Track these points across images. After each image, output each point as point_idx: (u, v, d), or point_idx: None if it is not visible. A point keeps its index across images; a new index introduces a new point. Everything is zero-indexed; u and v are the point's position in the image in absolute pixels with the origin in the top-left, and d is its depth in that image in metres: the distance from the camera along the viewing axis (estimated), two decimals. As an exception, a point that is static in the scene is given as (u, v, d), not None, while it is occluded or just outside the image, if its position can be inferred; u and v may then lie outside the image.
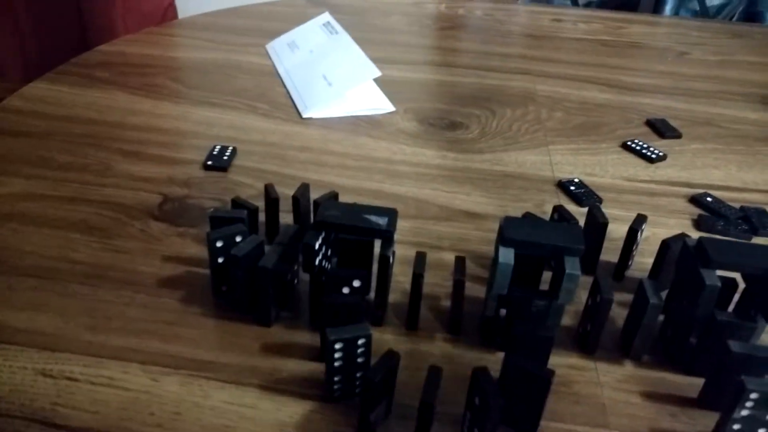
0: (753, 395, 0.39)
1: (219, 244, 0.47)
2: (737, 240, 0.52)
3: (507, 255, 0.44)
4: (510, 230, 0.45)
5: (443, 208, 0.64)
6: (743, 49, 1.11)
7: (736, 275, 0.48)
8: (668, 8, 1.47)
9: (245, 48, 0.99)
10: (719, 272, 0.46)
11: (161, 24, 1.12)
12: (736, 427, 0.40)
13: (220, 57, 0.95)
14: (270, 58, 0.95)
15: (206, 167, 0.67)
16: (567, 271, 0.43)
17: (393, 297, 0.51)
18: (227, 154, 0.69)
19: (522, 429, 0.41)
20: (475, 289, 0.53)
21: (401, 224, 0.61)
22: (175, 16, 1.49)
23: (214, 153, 0.69)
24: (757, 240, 0.62)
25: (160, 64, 0.92)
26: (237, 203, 0.53)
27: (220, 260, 0.48)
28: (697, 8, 1.50)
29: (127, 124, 0.75)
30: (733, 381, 0.40)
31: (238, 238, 0.48)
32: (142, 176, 0.65)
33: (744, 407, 0.39)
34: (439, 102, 0.86)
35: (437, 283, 0.54)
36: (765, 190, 0.71)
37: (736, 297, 0.48)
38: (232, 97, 0.83)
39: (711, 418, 0.42)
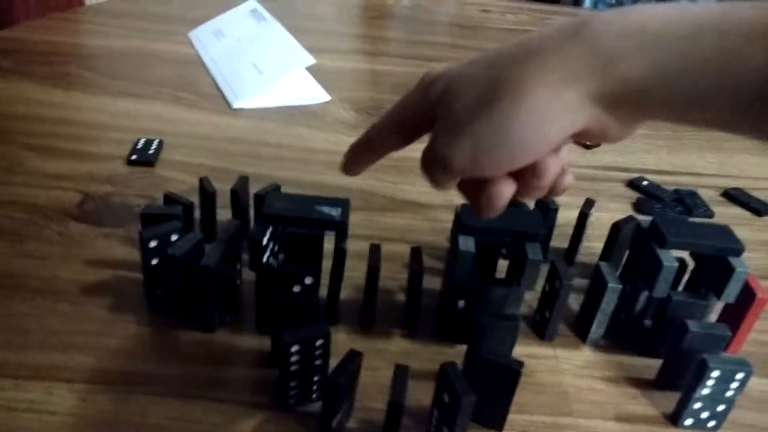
0: (714, 373, 0.39)
1: (153, 243, 0.43)
2: (688, 220, 0.52)
3: (467, 243, 0.42)
4: (468, 218, 0.43)
5: (389, 199, 0.62)
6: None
7: (684, 254, 0.48)
8: (588, 1, 1.51)
9: (164, 36, 0.92)
10: (677, 252, 0.47)
11: (67, 10, 1.03)
12: (696, 405, 0.41)
13: (136, 45, 0.88)
14: (193, 46, 0.90)
15: (130, 162, 0.61)
16: (529, 257, 0.41)
17: (344, 293, 0.48)
18: (153, 147, 0.63)
19: (489, 424, 0.40)
20: (427, 281, 0.51)
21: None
22: (81, 2, 1.38)
23: (139, 147, 0.63)
24: (692, 221, 0.64)
25: (69, 52, 0.84)
26: (170, 199, 0.49)
27: (154, 262, 0.44)
28: (613, 1, 1.56)
29: (36, 117, 0.68)
30: (692, 360, 0.40)
31: (174, 237, 0.43)
32: (57, 173, 0.59)
33: (705, 385, 0.39)
34: (374, 91, 0.84)
35: (389, 276, 0.51)
36: (693, 173, 0.73)
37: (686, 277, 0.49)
38: (154, 87, 0.77)
39: (670, 398, 0.43)
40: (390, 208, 0.61)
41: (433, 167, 0.32)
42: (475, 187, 0.32)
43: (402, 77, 0.88)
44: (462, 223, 0.43)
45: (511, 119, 0.29)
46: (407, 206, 0.61)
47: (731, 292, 0.43)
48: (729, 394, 0.40)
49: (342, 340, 0.45)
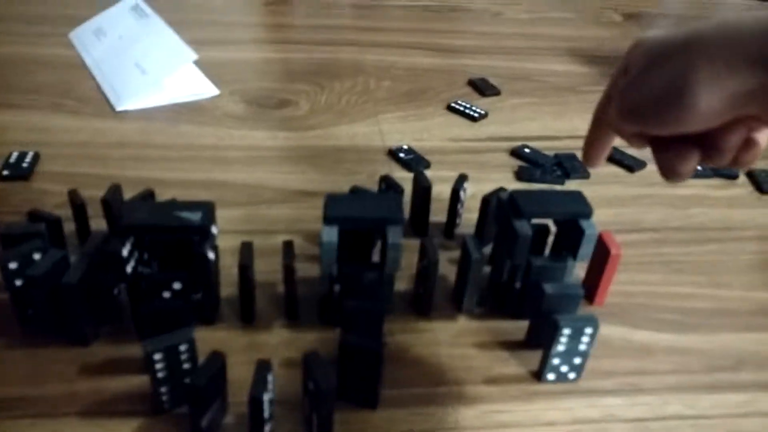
0: (565, 330, 0.42)
1: (13, 265, 0.42)
2: (545, 190, 0.55)
3: (330, 233, 0.43)
4: (331, 208, 0.44)
5: (277, 191, 0.62)
6: (550, 7, 1.19)
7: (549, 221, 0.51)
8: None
9: (44, 38, 0.88)
10: (536, 220, 0.50)
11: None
12: (555, 361, 0.44)
13: (14, 51, 0.84)
14: (75, 48, 0.86)
15: (2, 178, 0.59)
16: (389, 241, 0.43)
17: (228, 291, 0.49)
18: (27, 160, 0.61)
19: (363, 403, 0.41)
20: (314, 270, 0.52)
21: (232, 213, 0.58)
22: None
23: (11, 161, 0.61)
24: (570, 183, 0.67)
25: (-62, 65, 0.80)
26: (35, 216, 0.48)
27: (18, 283, 0.43)
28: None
29: None
30: (550, 320, 0.43)
31: (37, 256, 0.43)
32: None
33: (560, 342, 0.43)
34: (266, 81, 0.83)
35: (274, 269, 0.52)
36: (575, 136, 0.77)
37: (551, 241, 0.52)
38: (30, 96, 0.74)
39: (537, 357, 0.46)
40: (278, 199, 0.61)
41: (616, 120, 0.34)
42: (662, 149, 0.34)
43: (295, 64, 0.88)
44: (325, 213, 0.44)
45: (682, 78, 0.30)
46: (295, 196, 0.62)
47: (585, 252, 0.46)
48: (582, 347, 0.43)
49: (222, 338, 0.46)
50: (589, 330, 0.42)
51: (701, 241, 0.61)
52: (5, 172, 0.59)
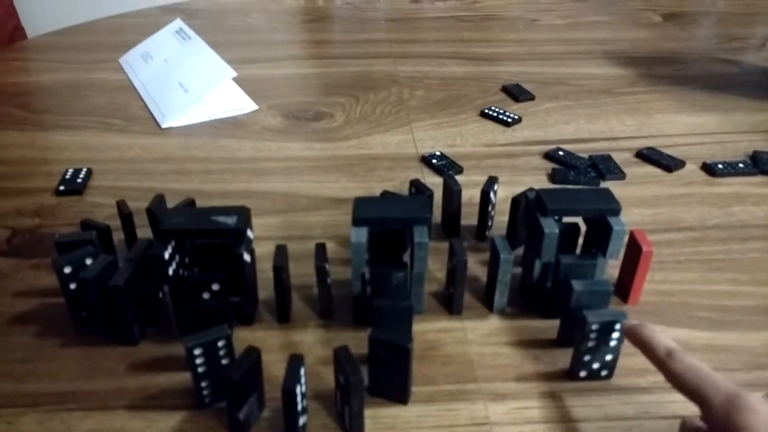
0: (594, 326, 0.42)
1: (68, 269, 0.45)
2: (573, 187, 0.55)
3: (359, 234, 0.45)
4: (360, 210, 0.46)
5: (312, 199, 0.65)
6: (587, 11, 1.19)
7: (579, 220, 0.51)
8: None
9: (97, 64, 0.94)
10: (567, 219, 0.50)
11: (6, 48, 1.05)
12: (587, 358, 0.44)
13: (70, 77, 0.90)
14: (124, 72, 0.92)
15: (58, 193, 0.64)
16: (416, 239, 0.44)
17: (266, 294, 0.51)
18: (81, 176, 0.65)
19: (395, 398, 0.42)
20: (347, 272, 0.54)
21: (270, 220, 0.61)
22: (23, 38, 1.39)
23: (67, 177, 0.65)
24: (605, 184, 0.67)
25: (2, 91, 0.86)
26: (87, 225, 0.51)
27: (72, 286, 0.46)
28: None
29: (-33, 160, 0.70)
30: (579, 316, 0.43)
31: (89, 261, 0.46)
32: (-14, 213, 0.61)
33: (590, 339, 0.43)
34: (303, 95, 0.86)
35: (309, 272, 0.54)
36: (610, 137, 0.76)
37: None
38: (84, 117, 0.79)
39: (569, 355, 0.46)
40: (313, 207, 0.63)
41: None
42: None
43: (330, 78, 0.91)
44: (354, 215, 0.45)
45: None
46: (329, 203, 0.64)
47: (614, 248, 0.46)
48: (612, 344, 0.43)
49: (260, 337, 0.48)
50: (617, 325, 0.42)
51: (742, 239, 0.59)
52: (61, 188, 0.64)
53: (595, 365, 0.44)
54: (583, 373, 0.44)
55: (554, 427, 0.41)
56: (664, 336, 0.39)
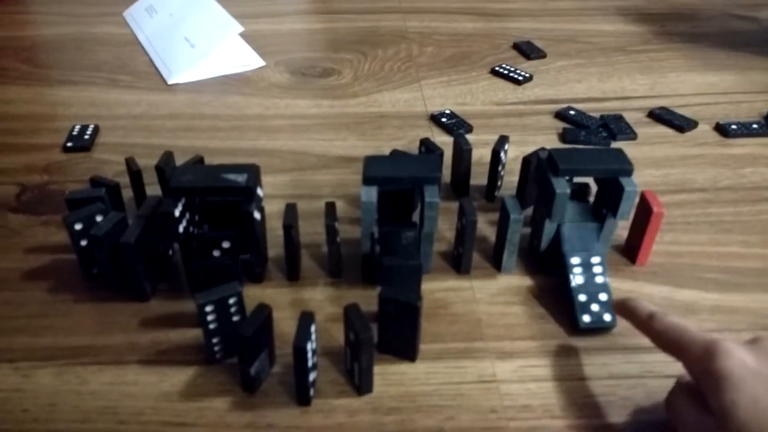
0: (574, 260, 0.42)
1: (78, 226, 0.46)
2: (585, 148, 0.55)
3: (369, 193, 0.45)
4: (370, 169, 0.46)
5: (320, 157, 0.64)
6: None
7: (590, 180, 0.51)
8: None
9: (102, 18, 0.93)
10: (578, 179, 0.50)
11: (6, 1, 1.03)
12: (582, 298, 0.44)
13: (74, 31, 0.89)
14: (129, 26, 0.90)
15: (66, 149, 0.63)
16: (426, 199, 0.44)
17: (275, 252, 0.51)
18: (88, 132, 0.65)
19: (403, 355, 0.43)
20: (356, 231, 0.54)
21: (279, 178, 0.61)
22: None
23: (74, 133, 0.65)
24: (616, 144, 0.66)
25: (6, 45, 0.85)
26: (96, 182, 0.51)
27: (83, 243, 0.46)
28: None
29: (-26, 116, 0.70)
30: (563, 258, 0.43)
31: (99, 218, 0.46)
32: (-5, 169, 0.61)
33: (574, 274, 0.43)
34: (310, 51, 0.85)
35: (318, 231, 0.54)
36: (622, 97, 0.75)
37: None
38: (90, 73, 0.78)
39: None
40: (321, 165, 0.63)
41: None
42: None
43: (338, 33, 0.89)
44: (364, 174, 0.45)
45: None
46: (338, 162, 0.63)
47: (624, 209, 0.46)
48: (598, 280, 0.43)
49: (270, 295, 0.48)
50: (596, 259, 0.42)
51: (753, 200, 0.59)
52: (69, 144, 0.63)
53: (594, 307, 0.44)
54: (586, 318, 0.44)
55: (560, 384, 0.42)
56: (647, 303, 0.40)
